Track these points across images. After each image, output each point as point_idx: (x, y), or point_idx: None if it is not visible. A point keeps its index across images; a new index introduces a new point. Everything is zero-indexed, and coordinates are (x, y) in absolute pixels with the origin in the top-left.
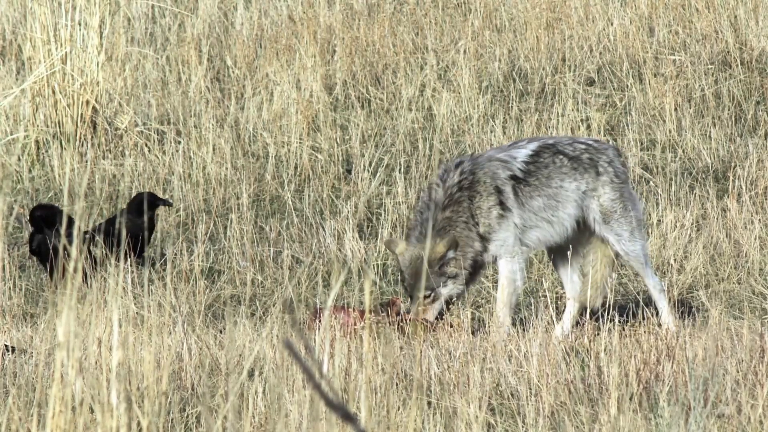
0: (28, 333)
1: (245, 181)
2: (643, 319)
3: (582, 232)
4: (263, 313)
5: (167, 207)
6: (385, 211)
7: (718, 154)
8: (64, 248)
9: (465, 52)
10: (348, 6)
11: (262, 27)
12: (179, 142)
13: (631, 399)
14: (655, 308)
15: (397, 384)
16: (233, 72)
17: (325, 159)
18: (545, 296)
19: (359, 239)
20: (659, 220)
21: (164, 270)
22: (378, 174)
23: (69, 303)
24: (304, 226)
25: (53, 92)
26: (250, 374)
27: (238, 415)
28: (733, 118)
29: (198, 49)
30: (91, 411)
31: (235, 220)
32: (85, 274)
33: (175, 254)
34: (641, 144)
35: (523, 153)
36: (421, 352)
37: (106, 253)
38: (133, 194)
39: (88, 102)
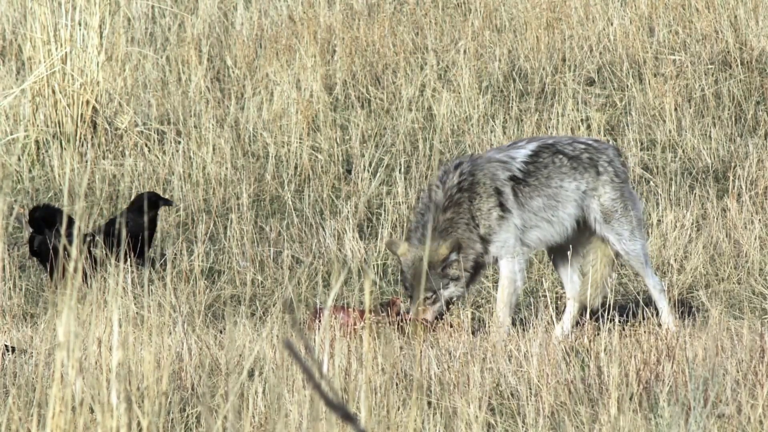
0: (28, 333)
1: (245, 181)
2: (643, 319)
3: (582, 232)
4: (263, 313)
5: (169, 207)
6: (385, 211)
7: (718, 154)
8: (64, 248)
9: (465, 52)
10: (348, 6)
11: (262, 27)
12: (179, 142)
13: (631, 399)
14: (655, 308)
15: (397, 384)
16: (233, 72)
17: (325, 159)
18: (545, 296)
19: (359, 239)
20: (659, 220)
21: (164, 270)
22: (378, 174)
23: (69, 303)
24: (304, 226)
25: (53, 92)
26: (250, 374)
27: (238, 415)
28: (733, 118)
29: (198, 49)
30: (91, 411)
31: (235, 220)
32: (85, 274)
33: (175, 254)
34: (641, 144)
35: (522, 153)
36: (421, 352)
37: (106, 254)
38: (134, 194)
39: (88, 102)
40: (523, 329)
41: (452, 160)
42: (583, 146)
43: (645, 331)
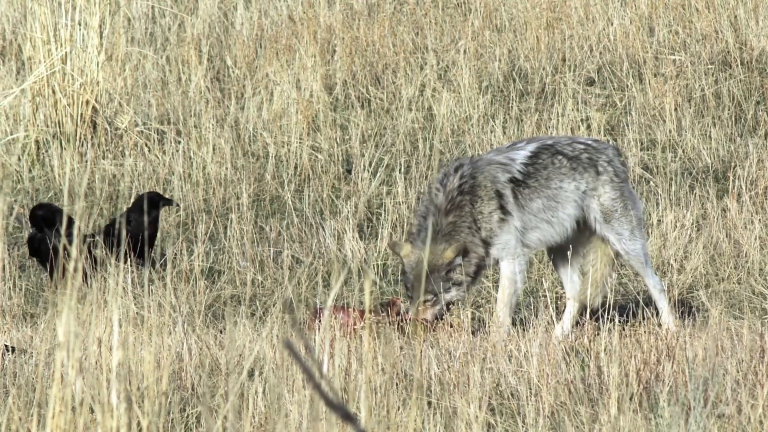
0: (28, 333)
1: (245, 181)
2: (643, 319)
3: (582, 232)
4: (263, 313)
5: (169, 206)
6: (385, 211)
7: (718, 154)
8: (64, 248)
9: (465, 52)
10: (348, 6)
11: (262, 27)
12: (179, 142)
13: (631, 399)
14: (655, 308)
15: (397, 384)
16: (233, 72)
17: (325, 159)
18: (545, 296)
19: (359, 239)
20: (659, 220)
21: (164, 270)
22: (378, 174)
23: (69, 303)
24: (304, 226)
25: (53, 92)
26: (250, 374)
27: (238, 415)
28: (733, 118)
29: (198, 49)
30: (91, 411)
31: (235, 220)
32: (85, 274)
33: (175, 254)
34: (641, 144)
35: (521, 155)
36: (421, 352)
37: (107, 254)
38: (134, 194)
39: (88, 102)
40: (523, 329)
41: (451, 163)
42: (582, 146)
43: (645, 331)
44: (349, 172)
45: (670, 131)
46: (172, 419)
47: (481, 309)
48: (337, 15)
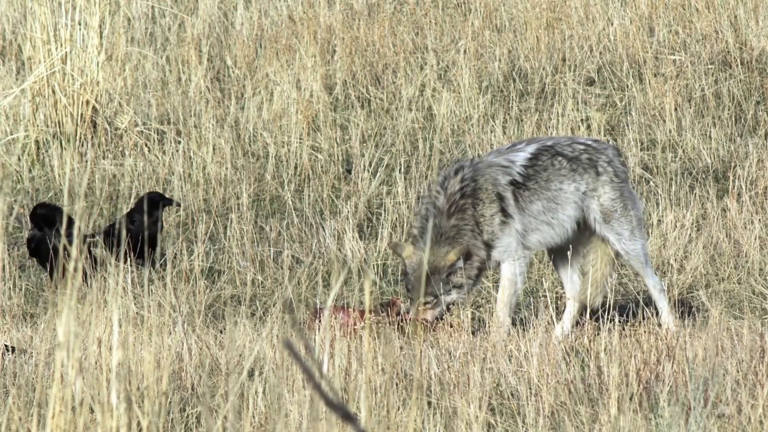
0: (28, 333)
1: (245, 181)
2: (643, 319)
3: (582, 232)
4: (263, 313)
5: (169, 206)
6: (385, 211)
7: (718, 154)
8: (64, 248)
9: (465, 52)
10: (348, 6)
11: (262, 27)
12: (179, 142)
13: (631, 399)
14: (655, 308)
15: (397, 384)
16: (233, 72)
17: (325, 159)
18: (545, 296)
19: (359, 239)
20: (659, 220)
21: (164, 270)
22: (378, 174)
23: (69, 303)
24: (304, 226)
25: (53, 92)
26: (250, 374)
27: (238, 415)
28: (733, 118)
29: (198, 49)
30: (91, 411)
31: (235, 220)
32: (85, 274)
33: (175, 254)
34: (641, 144)
35: (521, 157)
36: (421, 352)
37: (108, 254)
38: (134, 194)
39: (88, 102)
40: (523, 329)
41: (451, 165)
42: (582, 147)
43: (645, 331)
44: (349, 172)
45: (670, 131)
46: (172, 419)
47: (481, 309)
48: (337, 15)
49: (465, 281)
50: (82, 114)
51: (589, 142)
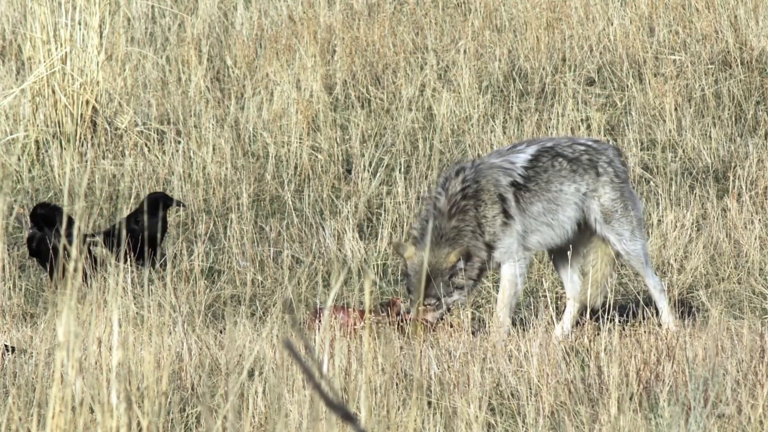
0: (28, 333)
1: (245, 181)
2: (643, 319)
3: (583, 232)
4: (263, 313)
5: (176, 207)
6: (385, 211)
7: (718, 154)
8: (64, 248)
9: (465, 52)
10: (348, 6)
11: (262, 27)
12: (179, 142)
13: (631, 399)
14: (655, 308)
15: (397, 384)
16: (233, 72)
17: (325, 159)
18: (545, 296)
19: (359, 239)
20: (659, 220)
21: (164, 270)
22: (378, 174)
23: (69, 303)
24: (304, 226)
25: (53, 92)
26: (250, 374)
27: (238, 415)
28: (733, 118)
29: (198, 49)
30: (91, 411)
31: (235, 220)
32: (85, 274)
33: (175, 254)
34: (641, 144)
35: (522, 158)
36: (421, 352)
37: (111, 254)
38: (134, 194)
39: (88, 102)
40: (523, 329)
41: (452, 166)
42: (582, 148)
43: (645, 331)
44: (349, 172)
45: (670, 131)
46: (172, 419)
47: (481, 309)
48: (337, 15)
49: (466, 282)
50: (82, 114)
51: (590, 143)
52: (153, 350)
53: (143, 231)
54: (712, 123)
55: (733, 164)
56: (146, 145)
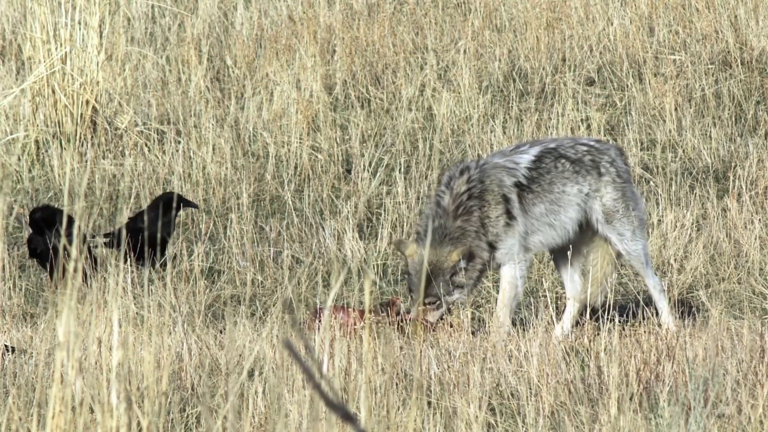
0: (28, 333)
1: (245, 181)
2: (643, 319)
3: (585, 232)
4: (263, 313)
5: (183, 208)
6: (385, 211)
7: (718, 154)
8: (64, 249)
9: (465, 52)
10: (348, 6)
11: (262, 27)
12: (179, 142)
13: (631, 399)
14: (655, 308)
15: (397, 384)
16: (233, 72)
17: (325, 159)
18: (545, 296)
19: (359, 239)
20: (659, 220)
21: (164, 270)
22: (378, 174)
23: (69, 303)
24: (304, 226)
25: (53, 92)
26: (250, 374)
27: (238, 415)
28: (733, 118)
29: (198, 49)
30: (91, 411)
31: (235, 220)
32: (85, 274)
33: (175, 254)
34: (641, 144)
35: (525, 159)
36: (421, 352)
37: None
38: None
39: (88, 102)
40: (523, 329)
41: (456, 165)
42: (585, 148)
43: (645, 331)
44: (349, 172)
45: (670, 131)
46: (172, 419)
47: (481, 309)
48: (337, 15)
49: (467, 282)
50: (82, 114)
51: (592, 143)
52: (153, 350)
53: (143, 231)
54: (712, 123)
55: (733, 164)
56: (146, 145)
